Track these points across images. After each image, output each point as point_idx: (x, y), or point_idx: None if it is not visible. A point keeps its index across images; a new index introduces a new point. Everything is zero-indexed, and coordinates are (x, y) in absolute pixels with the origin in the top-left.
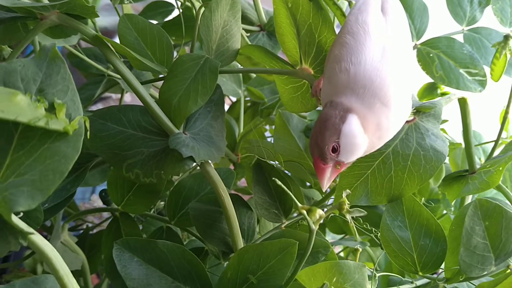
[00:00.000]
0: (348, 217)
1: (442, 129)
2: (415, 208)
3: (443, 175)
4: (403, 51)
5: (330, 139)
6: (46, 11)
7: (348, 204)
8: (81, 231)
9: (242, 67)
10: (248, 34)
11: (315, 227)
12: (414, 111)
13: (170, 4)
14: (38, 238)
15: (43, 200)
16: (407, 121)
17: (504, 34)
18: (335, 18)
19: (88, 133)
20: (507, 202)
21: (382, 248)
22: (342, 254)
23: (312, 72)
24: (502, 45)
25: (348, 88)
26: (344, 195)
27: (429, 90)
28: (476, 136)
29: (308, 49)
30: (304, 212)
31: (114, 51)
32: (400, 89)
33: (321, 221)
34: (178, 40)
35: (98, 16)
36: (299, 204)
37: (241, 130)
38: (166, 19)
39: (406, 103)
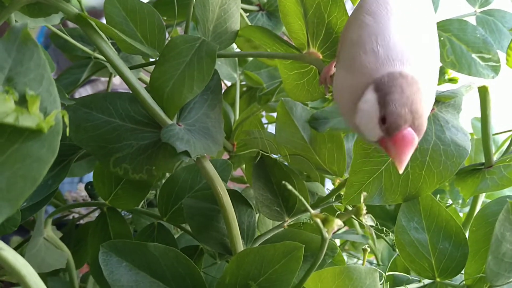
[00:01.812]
0: (365, 223)
1: None
2: (433, 208)
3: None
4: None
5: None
6: None
7: (365, 209)
8: (68, 221)
9: (240, 50)
10: (247, 14)
11: (328, 236)
12: None
13: None
14: (8, 254)
15: (11, 214)
16: None
17: None
18: None
19: (69, 127)
20: None
21: (394, 250)
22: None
23: (321, 57)
24: None
25: (387, 61)
26: (362, 198)
27: None
28: None
29: (316, 31)
30: (319, 221)
31: (100, 32)
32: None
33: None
34: (171, 20)
35: None
36: (312, 211)
37: (237, 116)
38: None
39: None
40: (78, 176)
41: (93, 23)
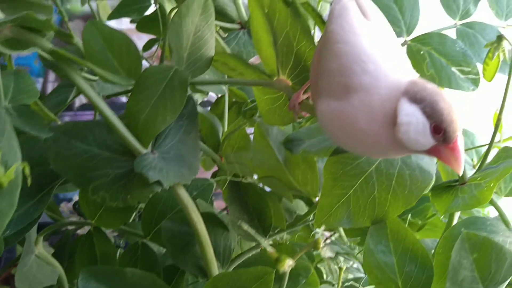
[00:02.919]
0: (324, 255)
1: None
2: (400, 232)
3: (433, 181)
4: (398, 51)
5: None
6: None
7: (324, 241)
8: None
9: (217, 72)
10: (226, 35)
11: (287, 270)
12: None
13: (146, 0)
14: None
15: None
16: None
17: (497, 35)
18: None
19: (50, 156)
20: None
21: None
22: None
23: (290, 84)
24: (495, 45)
25: (386, 76)
26: (319, 232)
27: None
28: (469, 136)
29: (285, 59)
30: (274, 257)
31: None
32: None
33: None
34: (158, 34)
35: (55, 30)
36: (269, 249)
37: (225, 128)
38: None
39: None
40: (70, 192)
41: (68, 56)
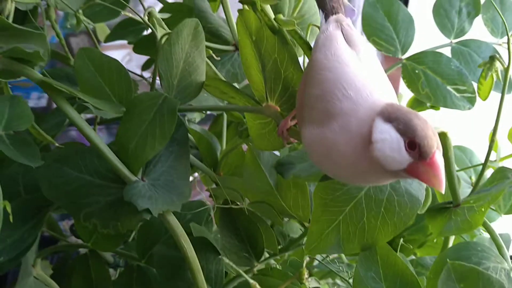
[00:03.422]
0: (309, 286)
1: None
2: (390, 258)
3: (429, 202)
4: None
5: None
6: None
7: (307, 276)
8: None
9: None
10: (219, 58)
11: None
12: None
13: (141, 22)
14: None
15: None
16: None
17: (490, 55)
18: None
19: (42, 183)
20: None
21: None
22: None
23: (279, 110)
24: (488, 66)
25: (365, 100)
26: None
27: (418, 102)
28: (467, 153)
29: (274, 85)
30: None
31: None
32: None
33: None
34: (155, 55)
35: (44, 61)
36: (252, 282)
37: (224, 146)
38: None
39: None
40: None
41: (58, 87)
